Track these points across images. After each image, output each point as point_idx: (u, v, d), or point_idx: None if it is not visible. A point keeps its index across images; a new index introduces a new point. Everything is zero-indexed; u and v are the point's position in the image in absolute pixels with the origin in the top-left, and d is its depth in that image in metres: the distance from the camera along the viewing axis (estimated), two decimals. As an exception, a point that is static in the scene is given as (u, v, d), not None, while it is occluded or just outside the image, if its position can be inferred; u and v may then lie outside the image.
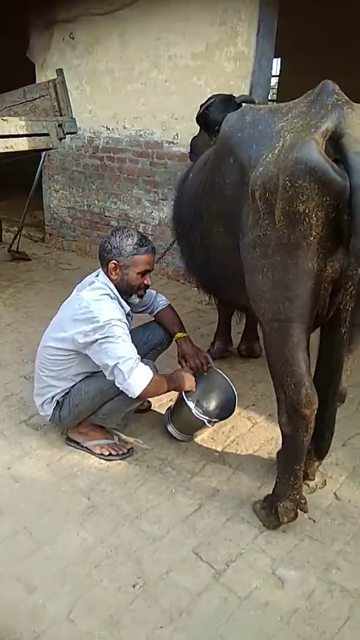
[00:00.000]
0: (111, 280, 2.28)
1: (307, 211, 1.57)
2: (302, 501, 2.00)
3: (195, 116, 3.60)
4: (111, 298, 2.23)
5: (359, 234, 1.54)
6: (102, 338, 2.10)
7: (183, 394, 2.31)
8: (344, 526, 2.06)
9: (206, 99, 3.44)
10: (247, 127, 1.84)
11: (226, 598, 1.76)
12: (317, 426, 1.92)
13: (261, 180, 1.66)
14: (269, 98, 5.45)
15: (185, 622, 1.68)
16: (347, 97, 1.69)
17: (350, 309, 1.62)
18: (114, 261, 2.26)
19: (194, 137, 3.69)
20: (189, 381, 2.33)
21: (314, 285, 1.68)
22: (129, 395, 2.14)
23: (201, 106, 3.46)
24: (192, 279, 2.69)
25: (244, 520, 2.09)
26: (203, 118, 3.31)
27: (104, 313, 2.13)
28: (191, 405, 2.31)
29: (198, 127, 3.59)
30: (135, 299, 2.35)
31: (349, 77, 3.39)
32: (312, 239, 1.61)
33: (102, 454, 2.43)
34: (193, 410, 2.30)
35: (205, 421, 2.32)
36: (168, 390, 2.29)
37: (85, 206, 5.64)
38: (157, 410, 2.78)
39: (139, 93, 4.80)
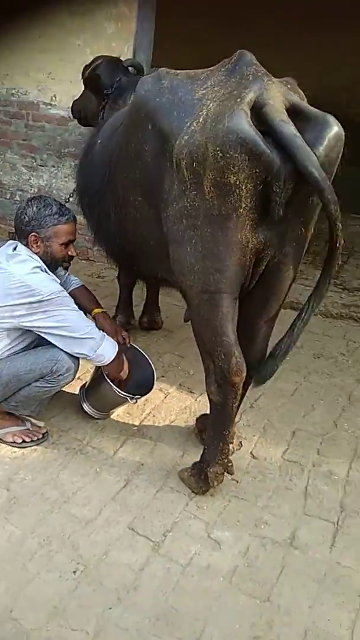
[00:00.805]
0: (33, 253, 2.10)
1: (237, 182, 1.58)
2: (230, 464, 2.08)
3: (78, 77, 3.42)
4: (42, 271, 2.07)
5: (326, 196, 1.58)
6: (53, 312, 2.01)
7: (102, 370, 2.23)
8: (264, 482, 2.20)
9: (91, 61, 3.27)
10: (166, 93, 1.78)
11: (169, 568, 1.79)
12: None
13: (187, 150, 1.63)
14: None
15: (134, 599, 1.68)
16: (264, 69, 1.71)
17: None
18: (33, 234, 2.09)
19: (77, 100, 3.50)
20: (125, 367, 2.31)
21: (243, 256, 1.71)
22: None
23: (86, 67, 3.28)
24: (103, 251, 2.58)
25: (173, 490, 2.12)
26: (93, 80, 3.14)
27: (45, 286, 2.01)
28: (112, 383, 2.25)
29: (79, 90, 3.42)
30: (61, 271, 2.20)
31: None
32: (241, 210, 1.63)
33: (15, 442, 2.27)
34: (115, 389, 2.24)
35: (129, 398, 2.28)
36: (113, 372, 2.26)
37: None
38: (67, 391, 2.67)
39: (9, 47, 4.38)
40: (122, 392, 2.27)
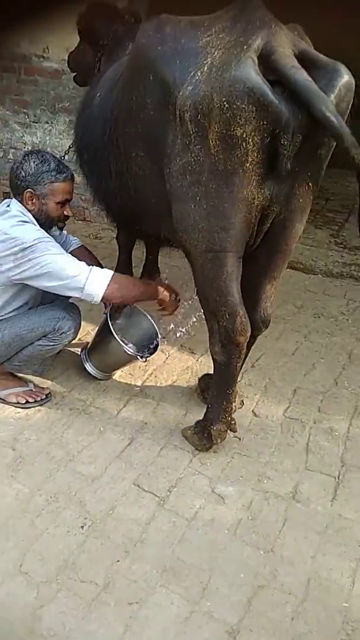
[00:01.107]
0: (28, 210, 2.05)
1: (244, 135, 1.53)
2: (233, 422, 2.10)
3: (73, 27, 3.24)
4: (29, 224, 2.02)
5: (347, 140, 1.49)
6: (37, 259, 1.93)
7: (112, 328, 2.22)
8: (266, 440, 2.23)
9: (85, 7, 3.10)
10: (168, 41, 1.69)
11: (174, 522, 1.83)
12: None
13: (192, 101, 1.56)
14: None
15: (141, 552, 1.72)
16: (271, 14, 1.63)
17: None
18: (29, 190, 2.03)
19: (73, 52, 3.34)
20: (166, 291, 2.21)
21: (248, 213, 1.67)
22: (92, 302, 2.03)
23: (79, 15, 3.11)
24: (102, 210, 2.52)
25: (177, 447, 2.15)
26: (87, 29, 2.98)
27: (28, 234, 1.94)
28: (122, 342, 2.24)
29: (74, 41, 3.25)
30: (55, 231, 2.15)
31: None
32: (248, 165, 1.58)
33: (19, 403, 2.29)
34: (124, 347, 2.23)
35: (138, 357, 2.28)
36: (142, 299, 2.19)
37: None
38: (69, 350, 2.67)
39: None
40: (131, 350, 2.26)
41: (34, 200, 2.06)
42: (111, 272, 2.05)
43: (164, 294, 2.20)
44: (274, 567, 1.70)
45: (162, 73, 1.68)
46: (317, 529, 1.83)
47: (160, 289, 2.21)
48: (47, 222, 2.11)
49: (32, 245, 1.93)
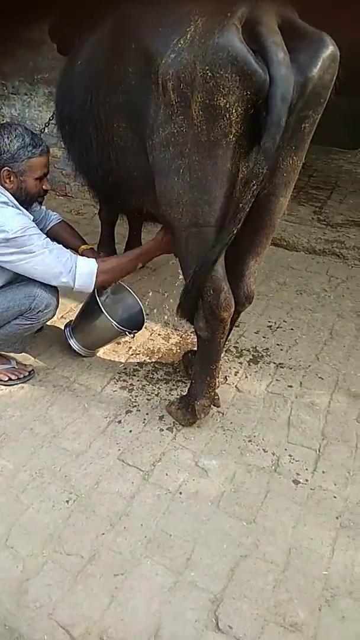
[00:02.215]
0: (6, 189, 1.99)
1: (227, 105, 1.50)
2: (216, 397, 2.12)
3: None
4: (10, 206, 1.96)
5: (271, 131, 1.51)
6: (23, 254, 1.89)
7: (100, 304, 2.20)
8: (248, 414, 2.25)
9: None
10: (150, 8, 1.65)
11: (159, 495, 1.85)
12: None
13: (174, 70, 1.52)
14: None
15: (125, 524, 1.74)
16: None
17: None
18: (6, 168, 1.97)
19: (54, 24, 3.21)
20: (160, 245, 2.13)
21: (232, 187, 1.65)
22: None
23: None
24: (84, 184, 2.47)
25: (161, 423, 2.16)
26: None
27: (11, 221, 1.89)
28: (109, 317, 2.22)
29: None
30: (36, 207, 2.09)
31: None
32: (231, 136, 1.55)
33: (1, 380, 2.27)
34: (113, 323, 2.21)
35: (127, 332, 2.27)
36: (138, 266, 2.16)
37: None
38: (52, 327, 2.64)
39: None
40: (120, 326, 2.24)
41: (11, 179, 2.00)
42: (95, 265, 2.03)
43: (161, 249, 2.14)
44: (256, 537, 1.74)
45: (144, 41, 1.63)
46: (298, 500, 1.87)
47: (155, 247, 2.14)
48: (27, 199, 2.06)
49: (16, 237, 1.89)
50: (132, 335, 2.33)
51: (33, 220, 2.12)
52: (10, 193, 2.01)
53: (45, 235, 2.00)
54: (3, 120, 4.45)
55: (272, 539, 1.74)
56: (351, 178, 4.92)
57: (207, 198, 1.65)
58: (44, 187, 2.08)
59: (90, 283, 2.03)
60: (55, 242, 2.02)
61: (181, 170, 1.65)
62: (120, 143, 1.88)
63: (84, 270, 2.01)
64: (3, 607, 1.50)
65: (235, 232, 1.67)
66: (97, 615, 1.50)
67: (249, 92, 1.48)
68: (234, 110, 1.51)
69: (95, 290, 2.22)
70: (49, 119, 2.96)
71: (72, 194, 4.36)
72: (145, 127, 1.72)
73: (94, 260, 2.06)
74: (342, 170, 5.12)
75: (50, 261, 1.96)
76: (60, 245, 2.03)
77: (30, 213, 2.09)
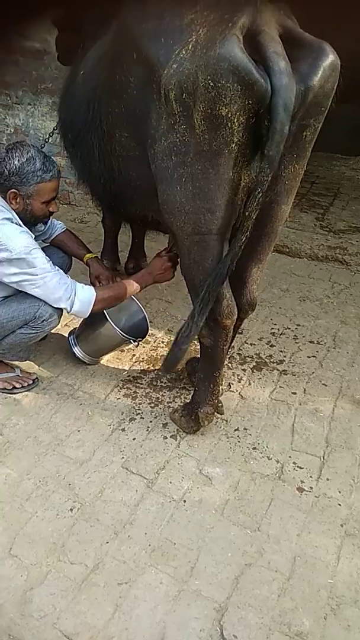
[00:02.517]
0: (11, 208, 2.00)
1: (229, 115, 1.51)
2: (220, 405, 2.12)
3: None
4: (14, 223, 1.97)
5: (275, 140, 1.52)
6: (25, 275, 1.91)
7: (106, 313, 2.20)
8: (252, 421, 2.25)
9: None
10: (151, 18, 1.66)
11: (162, 503, 1.85)
12: None
13: (176, 80, 1.53)
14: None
15: (130, 533, 1.74)
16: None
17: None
18: (13, 190, 1.97)
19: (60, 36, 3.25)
20: (164, 270, 2.18)
21: (234, 195, 1.66)
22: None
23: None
24: (87, 193, 2.49)
25: (165, 430, 2.16)
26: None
27: (14, 240, 1.89)
28: (114, 325, 2.23)
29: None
30: (40, 227, 2.10)
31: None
32: (233, 145, 1.56)
33: (5, 389, 2.28)
34: (118, 330, 2.22)
35: (131, 340, 2.27)
36: (137, 292, 2.19)
37: None
38: (56, 335, 2.65)
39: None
40: (124, 334, 2.25)
41: (17, 200, 2.00)
42: (93, 294, 2.05)
43: (159, 277, 2.19)
44: (260, 545, 1.73)
45: (146, 51, 1.64)
46: (303, 508, 1.87)
47: (153, 272, 2.18)
48: (31, 220, 2.07)
49: (19, 258, 1.89)
50: (136, 343, 2.34)
51: (38, 229, 2.14)
52: (15, 212, 2.01)
53: (48, 258, 2.00)
54: (7, 130, 4.49)
55: (277, 547, 1.73)
56: (353, 184, 4.93)
57: (209, 206, 1.66)
58: (50, 209, 2.09)
59: (86, 310, 2.06)
60: (57, 267, 2.04)
61: (183, 179, 1.66)
62: (123, 152, 1.89)
63: (83, 299, 2.03)
64: (7, 616, 1.50)
65: (245, 241, 1.67)
66: (102, 625, 1.49)
67: (250, 102, 1.49)
68: (235, 120, 1.52)
69: None
70: (53, 129, 2.98)
71: (76, 202, 4.38)
72: (148, 136, 1.73)
73: (92, 288, 2.08)
74: (344, 176, 5.13)
75: (51, 286, 1.98)
76: (62, 271, 2.05)
77: (37, 227, 2.10)
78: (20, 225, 2.01)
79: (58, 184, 2.08)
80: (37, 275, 1.94)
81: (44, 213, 2.09)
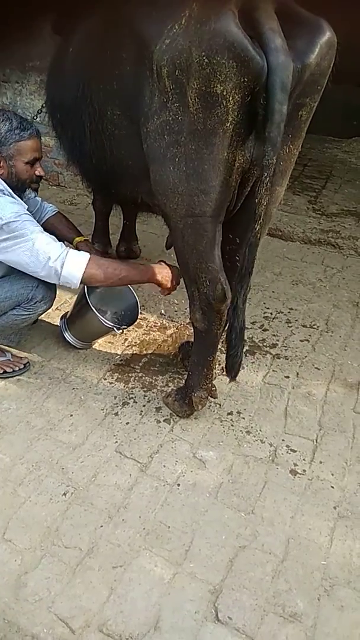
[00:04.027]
0: None
1: (224, 93, 1.47)
2: (213, 389, 2.11)
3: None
4: (6, 194, 1.93)
5: (275, 121, 1.49)
6: (15, 239, 1.85)
7: (88, 299, 2.17)
8: (246, 405, 2.25)
9: None
10: (144, -8, 1.61)
11: (156, 487, 1.85)
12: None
13: (169, 56, 1.49)
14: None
15: (124, 516, 1.74)
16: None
17: (265, 202, 1.62)
18: None
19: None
20: (165, 275, 2.04)
21: (228, 176, 1.63)
22: (71, 287, 1.93)
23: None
24: (77, 173, 2.43)
25: (158, 414, 2.15)
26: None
27: (5, 209, 1.85)
28: (98, 312, 2.19)
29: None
30: (30, 194, 2.05)
31: None
32: (228, 125, 1.53)
33: (-4, 373, 2.25)
34: (101, 318, 2.20)
35: (115, 328, 2.25)
36: (131, 282, 2.08)
37: None
38: (46, 320, 2.62)
39: None
40: (108, 322, 2.23)
41: (1, 163, 1.97)
42: (87, 256, 1.92)
43: (162, 278, 2.04)
44: (254, 528, 1.74)
45: (137, 25, 1.60)
46: (296, 491, 1.87)
47: (158, 272, 2.04)
48: (19, 185, 2.02)
49: (9, 222, 1.84)
50: (120, 331, 2.31)
51: (29, 211, 2.09)
52: (2, 179, 1.97)
53: (38, 224, 1.95)
54: (-7, 109, 4.39)
55: (271, 529, 1.74)
56: (346, 167, 4.90)
57: (203, 187, 1.63)
58: (36, 172, 2.04)
59: (77, 275, 1.89)
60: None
61: (177, 159, 1.62)
62: (114, 131, 1.85)
63: (75, 260, 1.90)
64: (2, 600, 1.50)
65: (259, 229, 1.67)
66: (97, 608, 1.50)
67: (246, 79, 1.46)
68: (231, 98, 1.48)
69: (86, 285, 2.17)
70: (41, 107, 2.91)
71: (65, 184, 4.31)
72: (140, 114, 1.69)
73: (86, 253, 1.99)
74: (336, 159, 5.10)
75: (40, 245, 1.87)
76: (54, 237, 1.98)
77: (25, 203, 2.05)
78: (12, 197, 1.97)
79: (39, 144, 2.02)
80: (25, 236, 1.86)
81: (30, 176, 2.04)
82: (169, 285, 2.06)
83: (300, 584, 1.58)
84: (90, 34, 1.89)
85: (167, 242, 2.07)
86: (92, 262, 1.91)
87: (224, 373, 2.39)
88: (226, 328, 1.90)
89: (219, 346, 2.11)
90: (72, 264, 1.89)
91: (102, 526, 1.70)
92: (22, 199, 2.04)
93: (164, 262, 2.10)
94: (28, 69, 4.09)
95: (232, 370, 1.97)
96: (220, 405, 2.23)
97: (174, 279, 2.07)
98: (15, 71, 4.15)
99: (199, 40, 1.43)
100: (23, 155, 1.97)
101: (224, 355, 2.47)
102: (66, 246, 1.94)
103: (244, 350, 2.55)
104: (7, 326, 2.14)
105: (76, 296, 2.42)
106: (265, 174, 1.57)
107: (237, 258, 1.96)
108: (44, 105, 2.61)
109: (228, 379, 2.05)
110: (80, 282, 1.91)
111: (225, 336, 1.95)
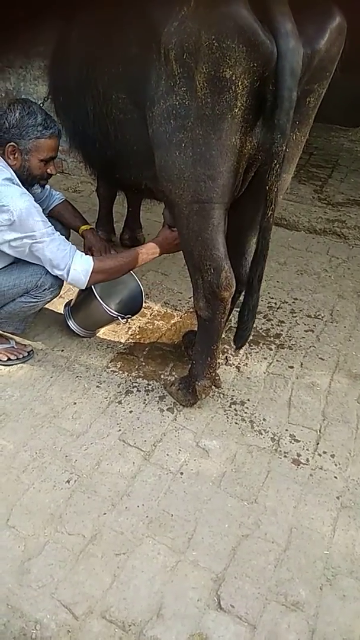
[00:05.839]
0: (8, 164, 1.94)
1: (233, 78, 1.45)
2: (217, 378, 2.10)
3: None
4: (15, 184, 1.91)
5: (284, 108, 1.47)
6: (25, 239, 1.86)
7: (93, 288, 2.16)
8: (249, 394, 2.24)
9: None
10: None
11: (160, 475, 1.85)
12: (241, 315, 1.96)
13: (177, 39, 1.46)
14: None
15: (127, 504, 1.74)
16: None
17: (276, 189, 1.60)
18: (12, 143, 1.92)
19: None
20: (174, 240, 2.05)
21: (236, 162, 1.61)
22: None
23: None
24: (80, 159, 2.40)
25: (162, 403, 2.15)
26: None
27: (16, 202, 1.84)
28: (102, 301, 2.18)
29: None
30: (37, 189, 2.04)
31: None
32: (237, 110, 1.50)
33: (0, 360, 2.24)
34: (105, 307, 2.19)
35: (120, 317, 2.24)
36: (138, 266, 2.11)
37: None
38: (50, 309, 2.61)
39: None
40: (113, 311, 2.22)
41: (16, 155, 1.95)
42: (91, 264, 1.99)
43: (164, 249, 2.10)
44: (257, 517, 1.74)
45: (145, 8, 1.56)
46: (299, 481, 1.87)
47: (159, 244, 2.09)
48: (29, 180, 2.01)
49: (21, 220, 1.85)
50: (125, 321, 2.30)
51: (36, 199, 2.08)
52: (12, 170, 1.96)
53: (48, 222, 1.96)
54: (-2, 95, 4.34)
55: (274, 518, 1.74)
56: (352, 156, 4.85)
57: (210, 173, 1.60)
58: (48, 170, 2.03)
59: (83, 281, 2.01)
60: (57, 232, 2.00)
61: (183, 144, 1.60)
62: (119, 115, 1.82)
63: (79, 268, 1.98)
64: (5, 586, 1.50)
65: (271, 215, 1.66)
66: (99, 595, 1.50)
67: (256, 64, 1.43)
68: (240, 83, 1.46)
69: None
70: (47, 95, 2.87)
71: (69, 171, 4.28)
72: (146, 98, 1.65)
73: (91, 258, 2.02)
74: (342, 148, 5.05)
75: (49, 252, 1.94)
76: (63, 237, 2.00)
77: (34, 190, 2.04)
78: (20, 187, 1.96)
79: (57, 144, 2.02)
80: (36, 239, 1.90)
81: (42, 173, 2.03)
82: (176, 249, 2.09)
83: (302, 573, 1.58)
84: (96, 16, 1.86)
85: (167, 220, 2.05)
86: (97, 269, 2.00)
87: (226, 361, 2.39)
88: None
89: (223, 335, 2.10)
90: (77, 274, 1.98)
91: (105, 514, 1.70)
92: (30, 191, 2.03)
93: (161, 232, 2.11)
94: (32, 54, 4.04)
95: (239, 341, 2.03)
96: (223, 394, 2.23)
97: (173, 239, 2.07)
98: (19, 56, 4.10)
99: (209, 24, 1.40)
100: (40, 153, 1.96)
101: (228, 344, 2.49)
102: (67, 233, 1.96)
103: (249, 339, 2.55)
104: (15, 313, 2.13)
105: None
106: (275, 161, 1.55)
107: (243, 246, 1.94)
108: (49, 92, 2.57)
109: (234, 347, 2.14)
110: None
111: (238, 312, 1.98)
